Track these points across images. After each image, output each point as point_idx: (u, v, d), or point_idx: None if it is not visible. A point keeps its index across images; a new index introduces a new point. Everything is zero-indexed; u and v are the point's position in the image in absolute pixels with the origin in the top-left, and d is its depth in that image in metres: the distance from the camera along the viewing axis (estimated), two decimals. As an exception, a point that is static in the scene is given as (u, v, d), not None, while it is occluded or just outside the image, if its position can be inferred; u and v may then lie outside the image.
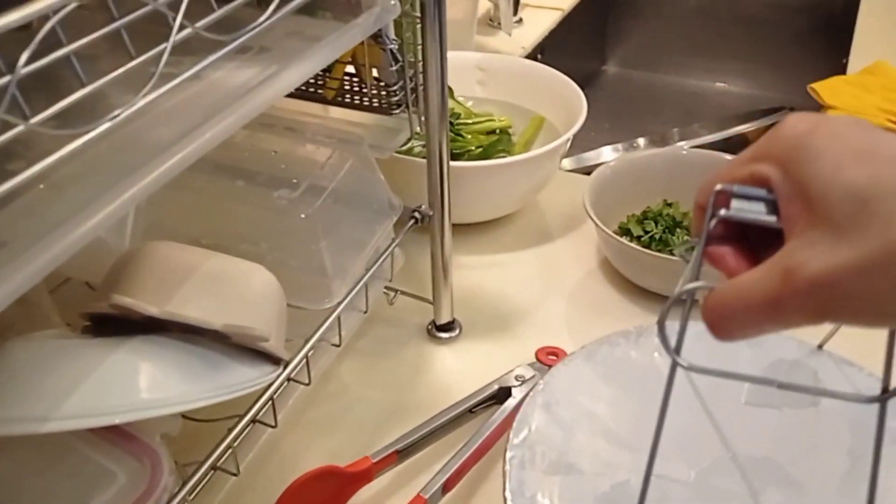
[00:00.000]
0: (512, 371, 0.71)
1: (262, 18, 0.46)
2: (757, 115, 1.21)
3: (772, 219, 0.35)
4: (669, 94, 1.67)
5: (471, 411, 0.69)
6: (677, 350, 0.38)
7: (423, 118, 0.68)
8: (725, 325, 0.35)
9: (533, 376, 0.71)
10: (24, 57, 0.33)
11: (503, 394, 0.69)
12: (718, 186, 0.36)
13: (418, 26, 0.66)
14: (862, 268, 0.31)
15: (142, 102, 0.38)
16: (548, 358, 0.73)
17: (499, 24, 1.33)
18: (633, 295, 0.82)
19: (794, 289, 0.33)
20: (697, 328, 0.37)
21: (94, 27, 0.38)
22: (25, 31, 0.33)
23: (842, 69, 1.24)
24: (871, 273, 0.31)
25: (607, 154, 1.34)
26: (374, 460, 0.61)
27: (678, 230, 0.85)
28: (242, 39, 0.45)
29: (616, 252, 0.82)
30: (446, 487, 0.61)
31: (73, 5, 0.34)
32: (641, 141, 1.38)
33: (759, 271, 0.34)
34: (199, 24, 0.43)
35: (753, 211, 0.36)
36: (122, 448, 0.48)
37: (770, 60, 1.61)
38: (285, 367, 0.58)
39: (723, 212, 0.36)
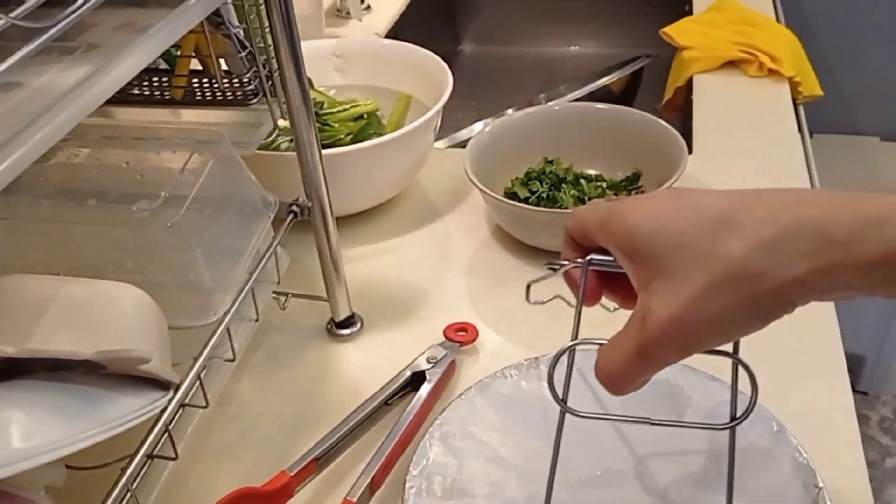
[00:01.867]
0: (423, 354, 0.68)
1: (77, 4, 0.41)
2: (617, 67, 1.22)
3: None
4: (528, 65, 1.68)
5: (387, 403, 0.65)
6: (564, 399, 0.47)
7: (283, 105, 0.64)
8: (615, 381, 0.42)
9: (444, 356, 0.68)
10: None
11: (417, 379, 0.66)
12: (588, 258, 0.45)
13: (262, 8, 0.62)
14: (698, 299, 0.37)
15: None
16: (457, 335, 0.71)
17: (347, 13, 1.29)
18: (529, 257, 0.80)
19: (652, 333, 0.38)
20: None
21: None
22: None
23: (683, 14, 1.27)
24: (706, 300, 0.37)
25: (479, 129, 1.33)
26: (292, 473, 0.57)
27: (563, 186, 0.83)
28: (61, 26, 0.40)
29: (507, 216, 0.80)
30: (373, 486, 0.57)
31: None
32: (510, 111, 1.37)
33: (626, 328, 0.41)
34: (13, 14, 0.38)
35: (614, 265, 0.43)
36: (-2, 512, 0.41)
37: (617, 17, 1.64)
38: (176, 391, 0.52)
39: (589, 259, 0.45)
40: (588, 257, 0.44)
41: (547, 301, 0.52)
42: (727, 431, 0.54)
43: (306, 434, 0.65)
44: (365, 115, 0.91)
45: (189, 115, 0.73)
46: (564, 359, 0.47)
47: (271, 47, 0.65)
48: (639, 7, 1.60)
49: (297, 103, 0.61)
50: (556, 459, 0.46)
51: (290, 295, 0.74)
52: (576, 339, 0.46)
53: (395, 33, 1.32)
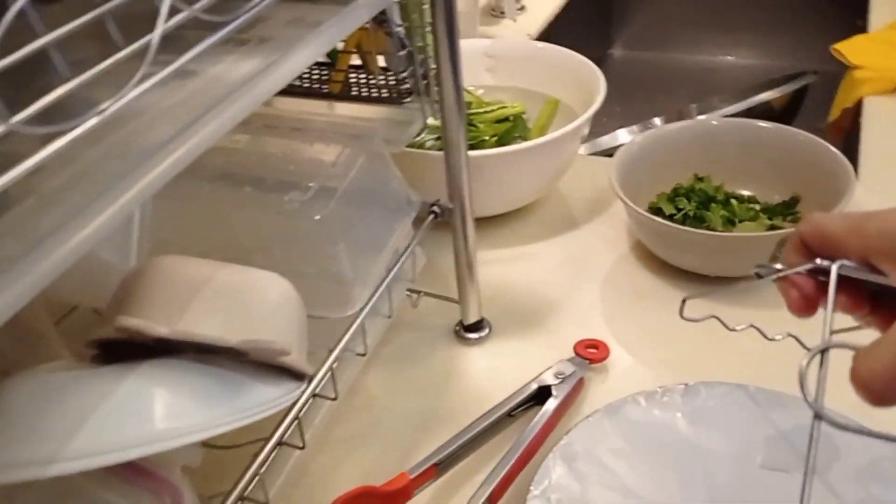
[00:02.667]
0: (550, 368, 0.67)
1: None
2: (779, 82, 1.16)
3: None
4: (679, 73, 1.62)
5: (510, 415, 0.64)
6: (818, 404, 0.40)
7: (434, 105, 0.64)
8: (875, 391, 0.37)
9: (573, 372, 0.66)
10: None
11: (543, 393, 0.65)
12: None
13: (425, 7, 0.62)
14: None
15: (132, 94, 0.34)
16: (587, 351, 0.69)
17: (501, 13, 1.28)
18: (669, 276, 0.77)
19: None
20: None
21: (67, 17, 0.34)
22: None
23: (856, 29, 1.19)
24: None
25: (623, 137, 1.30)
26: (412, 476, 0.57)
27: (712, 205, 0.80)
28: (241, 21, 0.41)
29: (650, 232, 0.77)
30: (492, 500, 0.56)
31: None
32: (657, 121, 1.33)
33: (891, 332, 0.36)
34: (196, 6, 0.39)
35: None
36: (139, 485, 0.43)
37: (778, 28, 1.56)
38: (310, 382, 0.53)
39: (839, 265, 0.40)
40: (838, 262, 0.40)
41: (701, 320, 0.49)
42: (892, 491, 0.50)
43: (428, 434, 0.65)
44: (511, 118, 0.90)
45: (341, 108, 0.74)
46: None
47: (430, 47, 0.65)
48: (805, 18, 1.52)
49: (450, 104, 0.61)
50: (810, 475, 0.41)
51: (421, 293, 0.74)
52: (827, 340, 0.41)
53: (547, 35, 1.31)
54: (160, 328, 0.45)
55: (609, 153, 1.13)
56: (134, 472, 0.44)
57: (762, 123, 0.81)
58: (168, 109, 0.41)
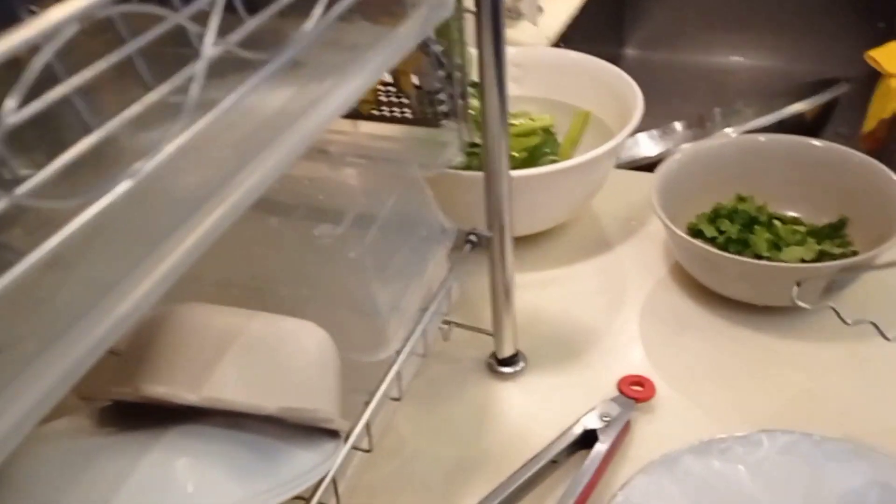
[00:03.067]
0: (594, 409, 0.63)
1: (309, 26, 0.37)
2: (807, 90, 1.11)
3: None
4: (695, 74, 1.57)
5: (553, 461, 0.60)
6: None
7: (472, 127, 0.60)
8: None
9: (619, 414, 0.62)
10: (9, 103, 0.24)
11: (588, 437, 0.61)
12: None
13: (464, 23, 0.57)
14: None
15: (172, 147, 0.29)
16: (631, 390, 0.65)
17: (517, 15, 1.23)
18: (713, 304, 0.73)
19: None
20: None
21: (91, 54, 0.29)
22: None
23: (878, 31, 1.15)
24: None
25: (644, 142, 1.26)
26: (456, 534, 0.53)
27: (756, 227, 0.75)
28: (289, 55, 0.36)
29: (692, 258, 0.73)
30: (543, 560, 0.52)
31: (73, 30, 0.24)
32: (678, 125, 1.29)
33: None
34: (232, 37, 0.35)
35: None
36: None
37: (799, 30, 1.51)
38: (346, 438, 0.49)
39: None
40: None
41: (817, 307, 0.44)
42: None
43: (464, 481, 0.61)
44: (539, 131, 0.86)
45: (364, 127, 0.69)
46: None
47: (469, 65, 0.60)
48: (827, 19, 1.47)
49: (494, 128, 0.56)
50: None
51: (452, 325, 0.69)
52: None
53: (565, 37, 1.26)
54: (188, 395, 0.40)
55: (635, 164, 1.08)
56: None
57: (814, 142, 0.76)
58: (199, 150, 0.36)
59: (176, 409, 0.41)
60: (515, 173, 0.72)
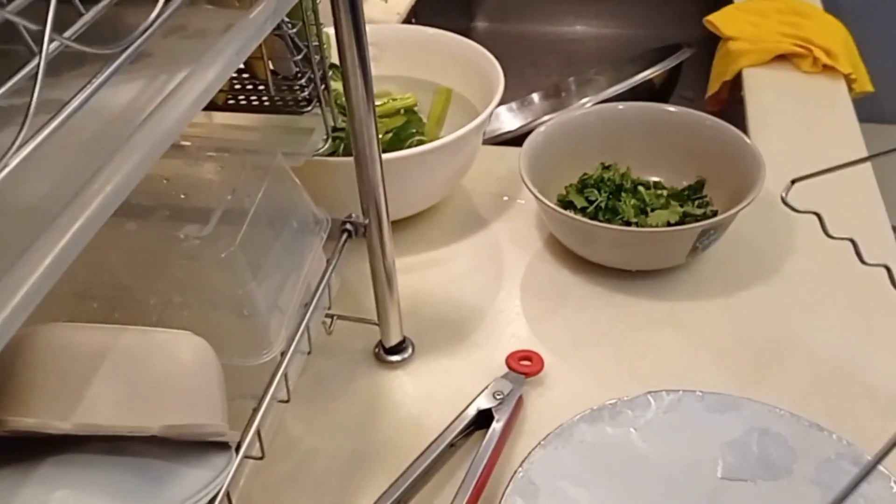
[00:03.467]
0: (486, 388, 0.62)
1: (153, 15, 0.34)
2: (653, 56, 1.15)
3: None
4: (546, 45, 1.60)
5: (451, 445, 0.59)
6: None
7: (337, 111, 0.58)
8: None
9: (511, 390, 0.62)
10: None
11: (483, 417, 0.60)
12: None
13: (318, 3, 0.55)
14: None
15: (17, 160, 0.26)
16: (520, 365, 0.65)
17: (366, -9, 1.21)
18: (589, 273, 0.74)
19: None
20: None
21: None
22: None
23: (717, -1, 1.20)
24: None
25: (504, 115, 1.26)
26: (362, 531, 0.51)
27: (623, 195, 0.77)
28: (134, 47, 0.33)
29: (565, 229, 0.74)
30: (451, 544, 0.51)
31: None
32: (535, 97, 1.30)
33: None
34: (70, 32, 0.31)
35: None
36: None
37: (638, -2, 1.57)
38: (237, 449, 0.46)
39: None
40: None
41: (804, 212, 0.45)
42: (843, 478, 0.49)
43: (363, 475, 0.59)
44: (402, 111, 0.84)
45: (223, 118, 0.65)
46: None
47: (326, 46, 0.58)
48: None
49: (360, 113, 0.54)
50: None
51: (335, 317, 0.67)
52: None
53: (415, 12, 1.25)
54: (60, 423, 0.36)
55: (497, 139, 1.09)
56: None
57: (669, 108, 0.79)
58: (44, 155, 0.32)
59: (50, 439, 0.38)
60: (394, 156, 0.70)
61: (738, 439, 0.54)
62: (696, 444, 0.54)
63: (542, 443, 0.55)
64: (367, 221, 0.60)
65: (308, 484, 0.59)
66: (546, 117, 0.99)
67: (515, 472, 0.53)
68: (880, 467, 0.51)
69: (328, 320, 0.66)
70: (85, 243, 0.30)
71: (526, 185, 0.72)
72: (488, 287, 0.74)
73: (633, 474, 0.53)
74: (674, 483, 0.52)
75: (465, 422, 0.60)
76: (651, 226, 0.73)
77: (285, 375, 0.54)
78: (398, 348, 0.68)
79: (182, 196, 0.55)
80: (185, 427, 0.38)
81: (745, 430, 0.55)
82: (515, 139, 0.92)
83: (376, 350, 0.68)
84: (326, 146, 0.62)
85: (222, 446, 0.45)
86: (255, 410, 0.50)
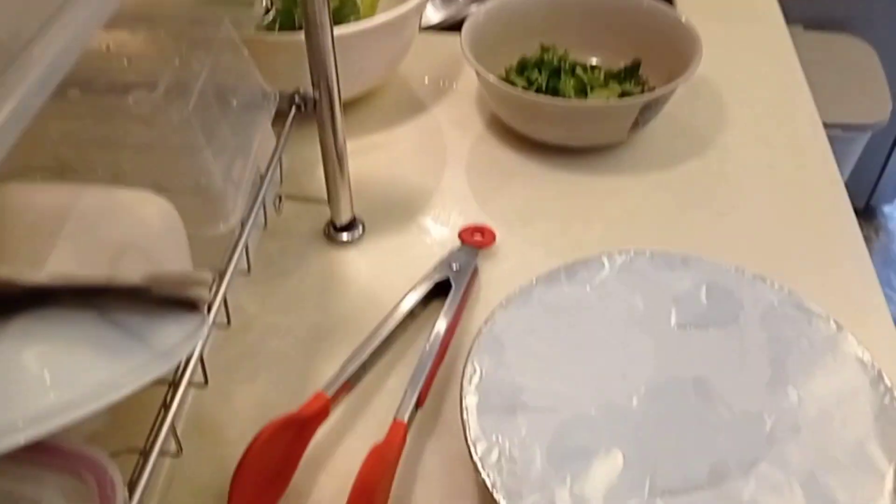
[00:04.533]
0: (442, 260, 0.63)
1: None
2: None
3: None
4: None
5: (410, 314, 0.60)
6: None
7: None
8: None
9: (466, 261, 0.63)
10: None
11: (440, 287, 0.61)
12: None
13: None
14: None
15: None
16: (473, 238, 0.66)
17: None
18: (533, 152, 0.75)
19: None
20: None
21: None
22: None
23: None
24: None
25: (429, 10, 1.24)
26: (330, 395, 0.52)
27: (563, 75, 0.78)
28: None
29: (509, 106, 0.74)
30: (418, 403, 0.53)
31: None
32: (461, -8, 1.28)
33: None
34: None
35: None
36: (51, 468, 0.35)
37: None
38: (208, 312, 0.46)
39: None
40: None
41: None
42: (787, 338, 0.52)
43: (323, 347, 0.60)
44: (336, -6, 0.82)
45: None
46: None
47: None
48: None
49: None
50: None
51: (283, 198, 0.66)
52: None
53: None
54: (37, 275, 0.35)
55: (432, 27, 1.07)
56: (37, 452, 0.35)
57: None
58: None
59: (16, 297, 0.36)
60: (348, 29, 0.69)
61: (688, 292, 0.57)
62: (648, 299, 0.57)
63: (503, 303, 0.56)
64: (317, 95, 0.59)
65: (267, 358, 0.59)
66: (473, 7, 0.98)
67: (479, 331, 0.54)
68: (818, 308, 0.55)
69: (277, 200, 0.65)
70: (29, 118, 0.28)
71: (469, 61, 0.72)
72: (433, 168, 0.75)
73: (591, 329, 0.55)
74: (631, 334, 0.55)
75: (423, 293, 0.60)
76: (592, 104, 0.74)
77: (246, 247, 0.53)
78: (349, 227, 0.68)
79: (125, 63, 0.52)
80: (169, 275, 0.37)
81: (694, 283, 0.58)
82: (442, 30, 0.91)
83: (326, 230, 0.68)
84: (271, 15, 0.59)
85: (193, 309, 0.44)
86: (221, 277, 0.49)
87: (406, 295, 0.60)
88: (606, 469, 0.47)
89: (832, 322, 0.54)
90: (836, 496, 0.45)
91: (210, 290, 0.49)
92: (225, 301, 0.50)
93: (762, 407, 0.50)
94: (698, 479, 0.46)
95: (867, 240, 1.90)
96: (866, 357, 0.52)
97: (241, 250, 0.52)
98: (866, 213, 1.94)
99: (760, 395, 0.51)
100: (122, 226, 0.41)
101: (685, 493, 0.46)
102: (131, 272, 0.37)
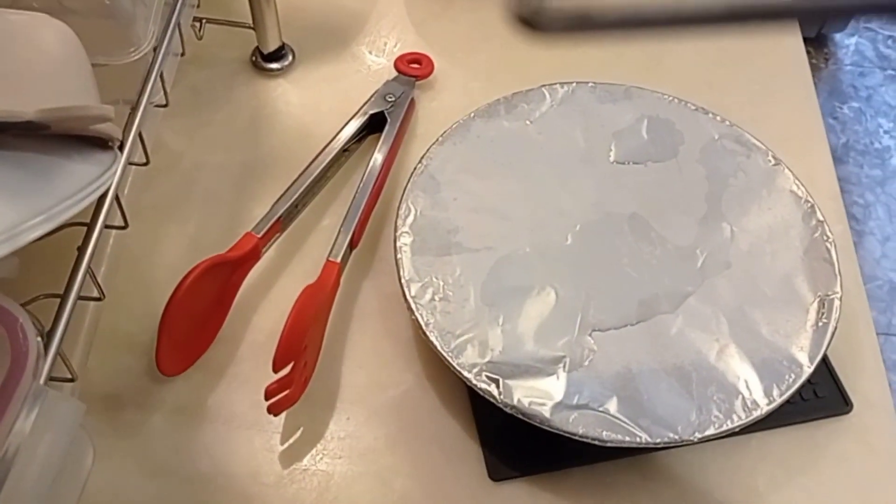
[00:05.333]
0: (376, 91, 0.60)
1: None
2: None
3: None
4: None
5: (344, 150, 0.58)
6: None
7: None
8: None
9: (402, 93, 0.60)
10: None
11: (375, 120, 0.59)
12: None
13: None
14: None
15: None
16: (410, 67, 0.62)
17: None
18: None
19: None
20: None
21: None
22: None
23: None
24: None
25: None
26: (259, 235, 0.50)
27: None
28: None
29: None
30: (352, 244, 0.51)
31: None
32: None
33: None
34: None
35: None
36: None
37: None
38: (121, 150, 0.43)
39: None
40: None
41: None
42: (725, 172, 0.52)
43: (254, 185, 0.57)
44: None
45: None
46: None
47: None
48: None
49: None
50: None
51: (205, 21, 0.61)
52: None
53: None
54: (-86, 110, 0.32)
55: None
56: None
57: None
58: None
59: None
60: None
61: (629, 127, 0.56)
62: (589, 134, 0.55)
63: (440, 139, 0.54)
64: None
65: (197, 197, 0.57)
66: None
67: (415, 168, 0.53)
68: (757, 141, 0.54)
69: (197, 24, 0.60)
70: None
71: None
72: (367, -9, 0.70)
73: (530, 165, 0.54)
74: (570, 170, 0.53)
75: (358, 126, 0.58)
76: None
77: (161, 76, 0.50)
78: (277, 55, 0.63)
79: None
80: (65, 110, 0.34)
81: (636, 117, 0.56)
82: None
83: (253, 58, 0.64)
84: None
85: (105, 146, 0.41)
86: (134, 111, 0.46)
87: (340, 130, 0.57)
88: (539, 307, 0.47)
89: (770, 156, 0.54)
90: (760, 330, 0.47)
91: (124, 125, 0.46)
92: (141, 137, 0.47)
93: (695, 242, 0.50)
94: (628, 315, 0.47)
95: (815, 68, 1.89)
96: (801, 191, 0.52)
97: (155, 79, 0.48)
98: (816, 42, 1.92)
99: (694, 230, 0.51)
100: (14, 53, 0.37)
101: (615, 328, 0.46)
102: (24, 106, 0.34)
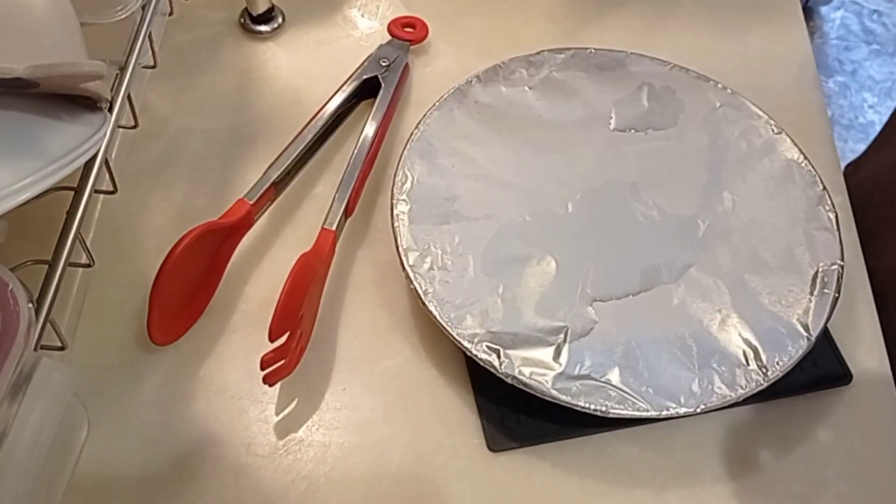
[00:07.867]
0: (370, 56, 0.59)
1: None
2: None
3: None
4: None
5: (338, 115, 0.56)
6: None
7: None
8: None
9: (397, 57, 0.59)
10: None
11: (369, 85, 0.57)
12: None
13: None
14: None
15: None
16: (404, 31, 0.61)
17: None
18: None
19: None
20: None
21: None
22: None
23: None
24: None
25: None
26: (252, 202, 0.49)
27: None
28: None
29: None
30: (347, 212, 0.50)
31: None
32: None
33: None
34: None
35: None
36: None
37: None
38: (111, 111, 0.41)
39: None
40: None
41: None
42: (726, 140, 0.52)
43: (245, 150, 0.56)
44: None
45: None
46: None
47: None
48: None
49: None
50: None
51: (192, -18, 0.59)
52: None
53: None
54: None
55: None
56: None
57: None
58: None
59: None
60: None
61: (629, 94, 0.55)
62: (588, 101, 0.54)
63: (437, 104, 0.53)
64: None
65: (184, 163, 0.55)
66: None
67: (411, 134, 0.51)
68: (759, 110, 0.54)
69: (185, -15, 0.59)
70: None
71: None
72: (359, -48, 0.68)
73: (528, 132, 0.53)
74: (569, 138, 0.52)
75: (351, 91, 0.56)
76: None
77: (149, 37, 0.48)
78: (266, 17, 0.62)
79: None
80: (55, 66, 0.32)
81: (636, 85, 0.55)
82: None
83: (242, 20, 0.62)
84: None
85: (93, 107, 0.40)
86: (122, 72, 0.44)
87: (333, 95, 0.56)
88: (539, 276, 0.46)
89: (772, 125, 0.53)
90: (761, 300, 0.46)
91: (112, 86, 0.44)
92: (130, 99, 0.45)
93: (696, 212, 0.50)
94: (630, 285, 0.46)
95: (800, 43, 1.89)
96: (802, 161, 0.51)
97: (144, 39, 0.46)
98: (804, 14, 1.92)
99: (695, 199, 0.50)
100: (5, 11, 0.35)
101: (616, 298, 0.46)
102: (12, 63, 0.32)
